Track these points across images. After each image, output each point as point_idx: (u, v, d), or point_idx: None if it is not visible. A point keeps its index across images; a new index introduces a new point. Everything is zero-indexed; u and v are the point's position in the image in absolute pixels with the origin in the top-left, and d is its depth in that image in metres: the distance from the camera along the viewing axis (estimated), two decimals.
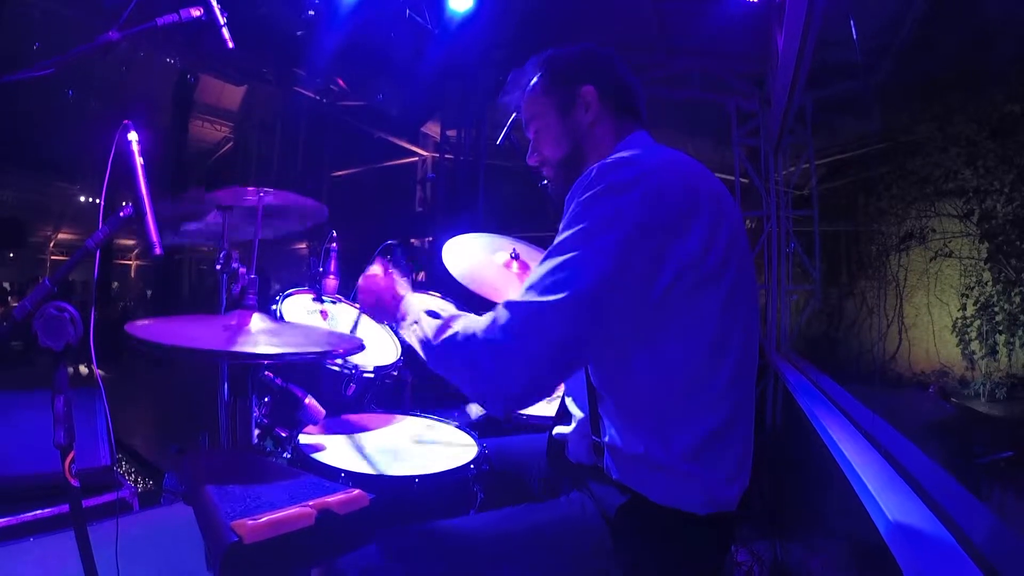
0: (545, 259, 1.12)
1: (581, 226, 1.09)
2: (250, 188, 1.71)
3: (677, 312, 1.11)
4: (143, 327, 1.23)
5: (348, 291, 2.25)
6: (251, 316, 1.38)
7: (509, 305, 1.10)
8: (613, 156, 1.21)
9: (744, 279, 1.18)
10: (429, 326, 1.22)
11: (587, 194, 1.12)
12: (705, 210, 1.13)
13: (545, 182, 1.46)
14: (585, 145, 1.35)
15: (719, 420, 1.14)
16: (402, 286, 1.43)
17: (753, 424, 1.24)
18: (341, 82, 6.67)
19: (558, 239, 1.12)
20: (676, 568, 1.17)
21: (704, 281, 1.11)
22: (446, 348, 1.16)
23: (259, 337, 1.31)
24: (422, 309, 1.28)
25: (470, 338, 1.11)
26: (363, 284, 1.44)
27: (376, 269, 1.46)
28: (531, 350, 1.05)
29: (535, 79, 1.39)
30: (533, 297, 1.07)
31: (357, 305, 1.83)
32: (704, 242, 1.11)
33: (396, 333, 1.31)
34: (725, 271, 1.13)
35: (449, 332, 1.16)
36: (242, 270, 1.49)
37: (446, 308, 1.29)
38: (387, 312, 1.39)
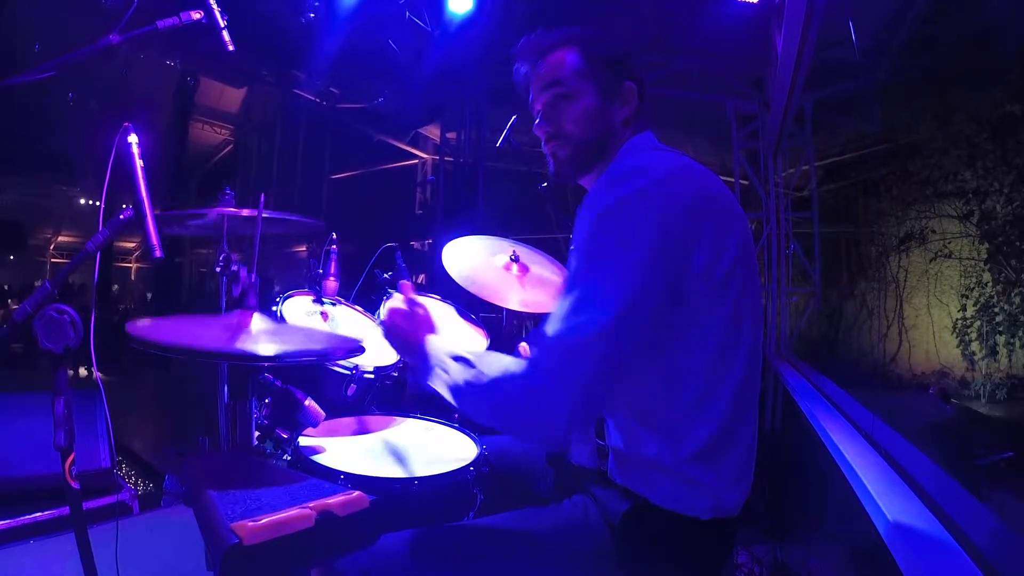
0: (568, 289, 1.10)
1: (596, 248, 1.08)
2: (249, 210, 1.71)
3: (691, 319, 1.11)
4: (144, 326, 1.23)
5: (347, 293, 2.26)
6: (251, 316, 1.38)
7: (541, 344, 1.08)
8: (622, 162, 1.20)
9: (751, 284, 1.17)
10: (457, 372, 1.17)
11: (598, 209, 1.10)
12: (716, 218, 1.12)
13: (551, 162, 1.37)
14: (611, 139, 1.31)
15: (726, 424, 1.14)
16: (424, 325, 1.34)
17: (757, 428, 1.24)
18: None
19: (576, 264, 1.11)
20: (679, 573, 1.17)
21: (717, 288, 1.11)
22: (479, 393, 1.13)
23: (260, 337, 1.31)
24: (446, 354, 1.22)
25: (505, 382, 1.09)
26: (386, 321, 1.37)
27: (397, 302, 1.39)
28: (569, 389, 1.04)
29: (571, 50, 1.32)
30: (562, 336, 1.06)
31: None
32: (716, 251, 1.10)
33: (421, 379, 1.26)
34: (734, 278, 1.12)
35: (480, 377, 1.13)
36: (243, 272, 1.49)
37: (469, 348, 1.23)
38: (411, 355, 1.31)
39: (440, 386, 1.20)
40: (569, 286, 1.10)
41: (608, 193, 1.11)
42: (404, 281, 1.45)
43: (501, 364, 1.12)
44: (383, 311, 1.40)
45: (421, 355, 1.26)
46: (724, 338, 1.13)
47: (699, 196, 1.13)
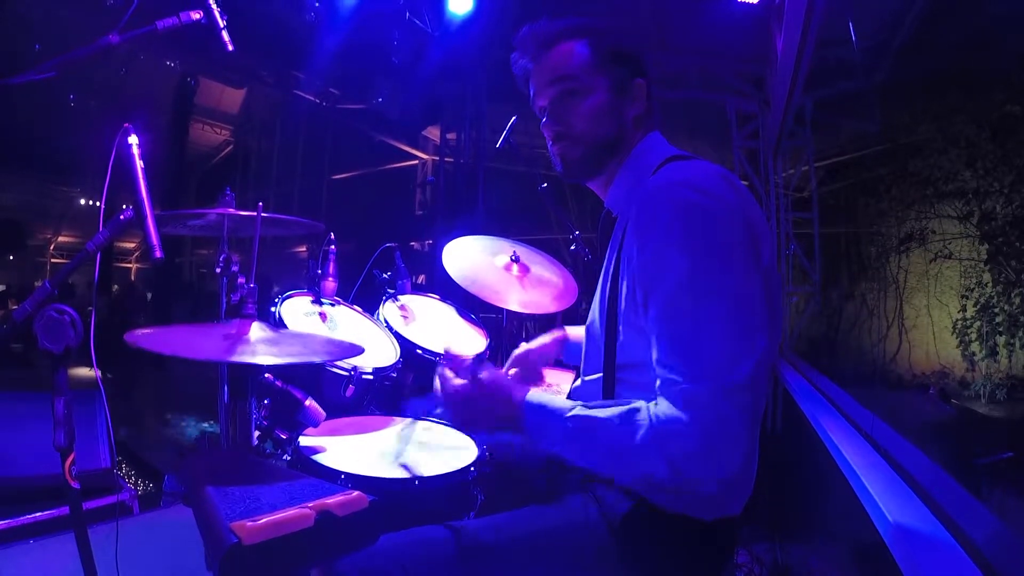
0: (680, 323, 1.04)
1: (701, 275, 1.04)
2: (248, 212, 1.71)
3: None
4: (144, 336, 1.23)
5: (347, 293, 2.26)
6: (250, 325, 1.38)
7: (695, 392, 1.00)
8: (670, 174, 1.15)
9: (775, 285, 1.16)
10: (604, 432, 1.07)
11: (678, 232, 1.06)
12: (763, 224, 1.13)
13: (559, 163, 1.31)
14: (624, 138, 1.27)
15: None
16: (512, 386, 1.18)
17: (759, 430, 1.23)
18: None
19: (675, 294, 1.04)
20: (681, 573, 1.16)
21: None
22: (643, 449, 1.03)
23: (258, 346, 1.31)
24: (566, 411, 1.10)
25: (672, 430, 1.01)
26: (455, 401, 1.21)
27: (451, 375, 1.23)
28: (746, 427, 1.00)
29: (580, 42, 1.26)
30: (712, 381, 1.00)
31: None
32: (765, 254, 1.11)
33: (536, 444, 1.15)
34: (768, 280, 1.11)
35: (640, 431, 1.03)
36: (241, 279, 1.48)
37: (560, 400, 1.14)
38: (504, 423, 1.17)
39: (569, 448, 1.11)
40: (680, 320, 1.04)
41: (674, 219, 1.07)
42: (448, 352, 1.29)
43: (652, 418, 1.04)
44: (440, 386, 1.23)
45: (530, 420, 1.14)
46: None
47: (749, 204, 1.13)
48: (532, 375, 1.71)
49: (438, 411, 1.28)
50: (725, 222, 1.06)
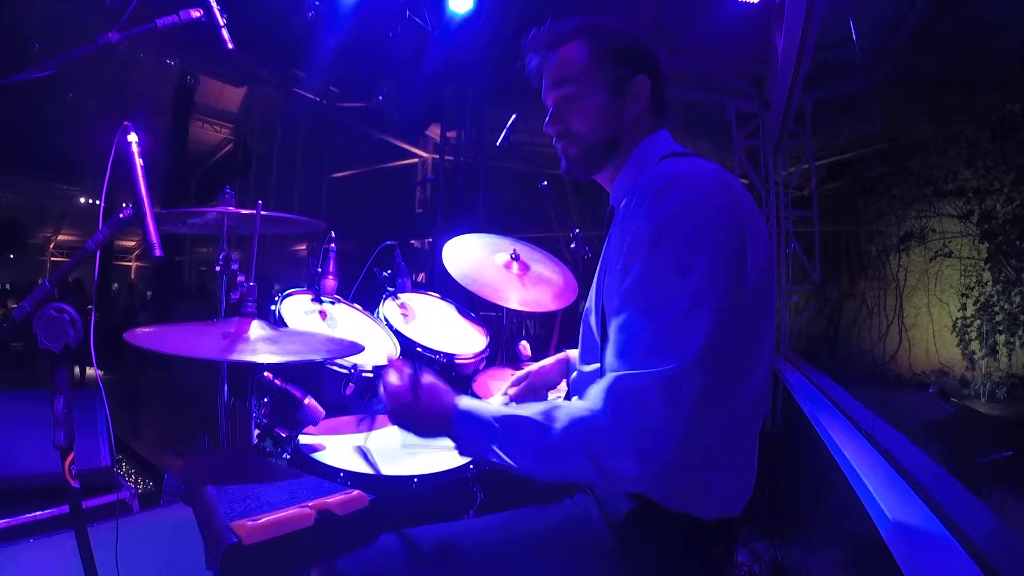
0: (642, 307, 1.04)
1: (669, 264, 1.03)
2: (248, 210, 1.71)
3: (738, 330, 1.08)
4: (144, 335, 1.23)
5: (347, 291, 2.26)
6: (250, 323, 1.38)
7: (625, 381, 1.00)
8: (653, 170, 1.15)
9: (770, 289, 1.15)
10: (527, 430, 1.07)
11: (651, 230, 1.05)
12: (756, 226, 1.11)
13: (563, 160, 1.33)
14: (623, 136, 1.27)
15: (739, 427, 1.13)
16: (445, 393, 1.19)
17: (759, 430, 1.23)
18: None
19: (643, 280, 1.05)
20: (681, 573, 1.16)
21: (754, 291, 1.08)
22: (564, 445, 1.03)
23: (258, 345, 1.31)
24: (492, 415, 1.11)
25: (595, 429, 1.01)
26: (395, 405, 1.22)
27: (394, 378, 1.22)
28: (676, 420, 0.98)
29: (579, 43, 1.27)
30: (655, 365, 0.99)
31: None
32: (757, 258, 1.09)
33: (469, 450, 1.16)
34: (764, 279, 1.10)
35: (558, 425, 1.03)
36: (241, 277, 1.48)
37: (498, 407, 1.15)
38: (436, 429, 1.17)
39: (497, 451, 1.10)
40: (643, 303, 1.04)
41: (655, 210, 1.06)
42: (391, 359, 1.29)
43: (572, 412, 1.04)
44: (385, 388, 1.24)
45: (458, 426, 1.14)
46: (751, 345, 1.10)
47: (741, 204, 1.11)
48: (533, 396, 1.70)
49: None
50: (706, 222, 1.05)
